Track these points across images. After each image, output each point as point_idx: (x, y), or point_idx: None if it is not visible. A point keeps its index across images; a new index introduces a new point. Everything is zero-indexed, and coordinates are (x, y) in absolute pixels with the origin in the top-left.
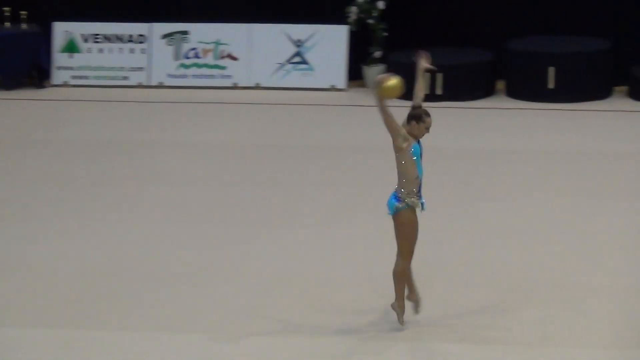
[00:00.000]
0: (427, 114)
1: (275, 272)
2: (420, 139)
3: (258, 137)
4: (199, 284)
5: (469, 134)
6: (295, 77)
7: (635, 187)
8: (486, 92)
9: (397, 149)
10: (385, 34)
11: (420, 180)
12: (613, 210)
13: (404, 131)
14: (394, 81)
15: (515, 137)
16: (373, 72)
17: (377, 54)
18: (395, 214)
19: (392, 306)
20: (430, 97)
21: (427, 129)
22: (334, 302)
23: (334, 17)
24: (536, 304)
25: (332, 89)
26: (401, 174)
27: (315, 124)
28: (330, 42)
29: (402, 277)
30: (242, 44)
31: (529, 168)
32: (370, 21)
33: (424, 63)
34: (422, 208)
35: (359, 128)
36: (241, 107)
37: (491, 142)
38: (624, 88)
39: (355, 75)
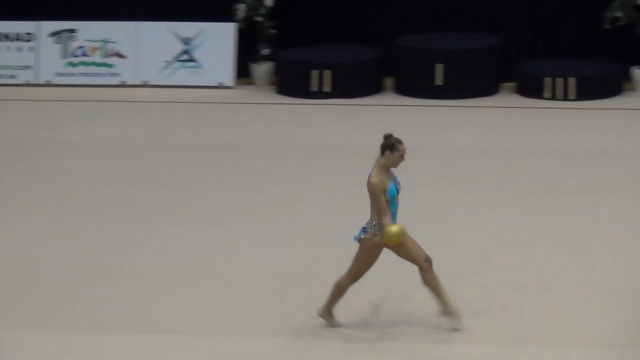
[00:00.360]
0: (400, 142)
1: (170, 269)
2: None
3: (147, 135)
4: (94, 283)
5: (357, 131)
6: (183, 75)
7: (523, 181)
8: (375, 89)
9: (375, 192)
10: (273, 31)
11: (394, 216)
12: (506, 204)
13: (380, 190)
14: (395, 229)
15: (403, 134)
16: (261, 69)
17: (265, 51)
18: (362, 240)
19: (320, 314)
20: (319, 94)
21: (402, 157)
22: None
23: (222, 15)
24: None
25: (220, 86)
26: (374, 211)
27: (204, 121)
28: (218, 40)
29: (340, 291)
30: (130, 42)
31: (417, 164)
32: (258, 19)
33: None
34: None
35: (247, 125)
36: (129, 105)
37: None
38: (512, 84)
39: (243, 72)
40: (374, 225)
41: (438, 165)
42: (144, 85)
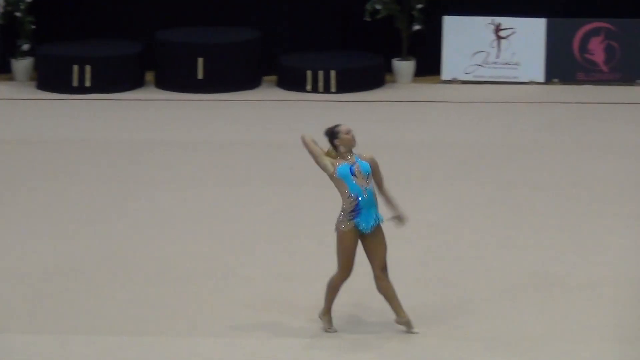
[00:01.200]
0: (336, 126)
1: None
2: (360, 158)
3: None
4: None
5: (118, 125)
6: None
7: (287, 173)
8: (136, 83)
9: (330, 177)
10: (33, 26)
11: (360, 200)
12: (273, 197)
13: (326, 160)
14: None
15: (165, 129)
16: (21, 65)
17: (25, 47)
18: (336, 231)
19: (319, 315)
20: (80, 89)
21: (348, 133)
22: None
23: None
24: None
25: None
26: (341, 195)
27: None
28: None
29: (332, 288)
30: None
31: (175, 159)
32: (18, 14)
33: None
34: (358, 227)
35: (6, 121)
36: None
37: (140, 134)
38: (273, 77)
39: (3, 68)
40: (341, 214)
41: (201, 160)
42: None
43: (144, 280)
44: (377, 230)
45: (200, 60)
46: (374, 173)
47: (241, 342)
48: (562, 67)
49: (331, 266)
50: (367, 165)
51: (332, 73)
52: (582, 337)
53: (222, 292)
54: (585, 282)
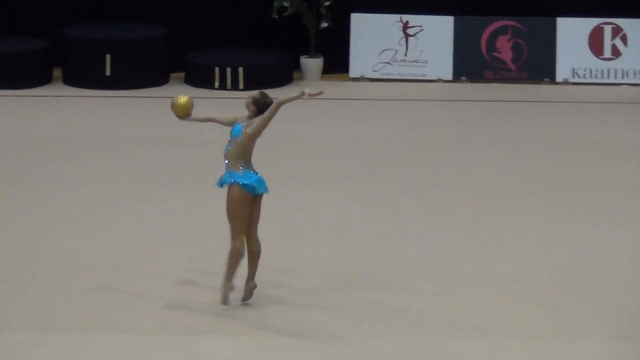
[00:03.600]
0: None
1: None
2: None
3: None
4: None
5: (24, 122)
6: None
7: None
8: (43, 80)
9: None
10: None
11: (225, 157)
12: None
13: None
14: (182, 100)
15: (72, 125)
16: None
17: None
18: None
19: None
20: None
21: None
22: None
23: None
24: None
25: None
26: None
27: None
28: None
29: (231, 256)
30: None
31: (80, 155)
32: None
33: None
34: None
35: None
36: None
37: (47, 130)
38: (181, 74)
39: None
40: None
41: (106, 156)
42: None
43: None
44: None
45: (108, 57)
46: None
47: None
48: (470, 65)
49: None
50: (238, 127)
51: (240, 70)
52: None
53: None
54: (490, 280)
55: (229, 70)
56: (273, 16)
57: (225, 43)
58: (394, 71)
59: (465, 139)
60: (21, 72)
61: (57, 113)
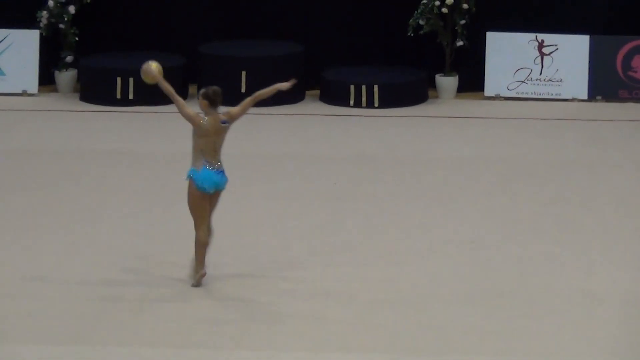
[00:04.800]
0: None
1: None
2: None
3: None
4: None
5: (162, 138)
6: None
7: (324, 187)
8: (180, 96)
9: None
10: (77, 38)
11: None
12: (314, 210)
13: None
14: (152, 66)
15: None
16: (64, 76)
17: (69, 58)
18: None
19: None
20: (123, 101)
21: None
22: None
23: (25, 21)
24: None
25: (24, 93)
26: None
27: (7, 129)
28: (21, 47)
29: (196, 245)
30: None
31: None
32: (62, 26)
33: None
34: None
35: (49, 133)
36: None
37: (178, 146)
38: (316, 91)
39: (46, 79)
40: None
41: (247, 172)
42: None
43: None
44: None
45: (243, 74)
46: None
47: None
48: (605, 84)
49: None
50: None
51: (375, 88)
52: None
53: None
54: (630, 299)
55: (364, 88)
56: (409, 34)
57: (361, 61)
58: (529, 90)
59: (601, 159)
60: (158, 89)
61: (186, 129)
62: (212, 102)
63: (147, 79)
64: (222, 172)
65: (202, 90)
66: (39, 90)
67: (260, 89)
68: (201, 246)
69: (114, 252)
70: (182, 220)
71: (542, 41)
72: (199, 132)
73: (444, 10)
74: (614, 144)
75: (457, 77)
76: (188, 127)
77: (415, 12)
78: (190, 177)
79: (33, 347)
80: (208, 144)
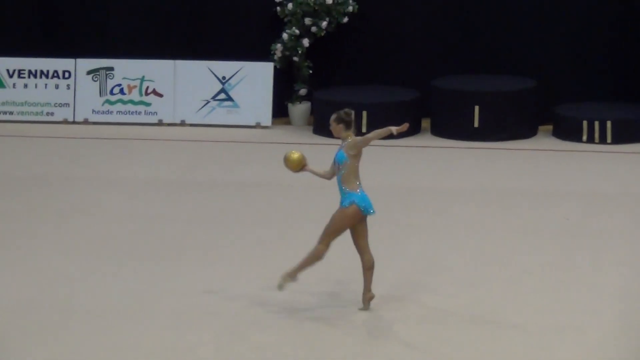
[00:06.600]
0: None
1: (194, 307)
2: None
3: (183, 173)
4: (133, 319)
5: (396, 172)
6: (221, 114)
7: (559, 224)
8: (412, 130)
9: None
10: (310, 71)
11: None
12: (540, 248)
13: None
14: (295, 155)
15: (440, 175)
16: (298, 109)
17: (302, 91)
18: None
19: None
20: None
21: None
22: None
23: (259, 54)
24: None
25: (258, 126)
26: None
27: (240, 161)
28: (255, 79)
29: (312, 255)
30: (167, 80)
31: (453, 206)
32: (296, 59)
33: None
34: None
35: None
36: (166, 144)
37: (418, 181)
38: (549, 127)
39: (280, 112)
40: None
41: (478, 208)
42: (181, 124)
43: None
44: None
45: (476, 108)
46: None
47: None
48: None
49: None
50: (340, 153)
51: (608, 123)
52: None
53: None
54: None
55: (597, 123)
56: None
57: (594, 96)
58: None
59: None
60: (391, 122)
61: (425, 163)
62: (348, 125)
63: (294, 168)
64: None
65: (334, 115)
66: (272, 123)
67: (493, 124)
68: (316, 259)
69: None
70: None
71: None
72: (359, 156)
73: None
74: None
75: None
76: (424, 162)
77: None
78: (354, 202)
79: None
80: (358, 166)
